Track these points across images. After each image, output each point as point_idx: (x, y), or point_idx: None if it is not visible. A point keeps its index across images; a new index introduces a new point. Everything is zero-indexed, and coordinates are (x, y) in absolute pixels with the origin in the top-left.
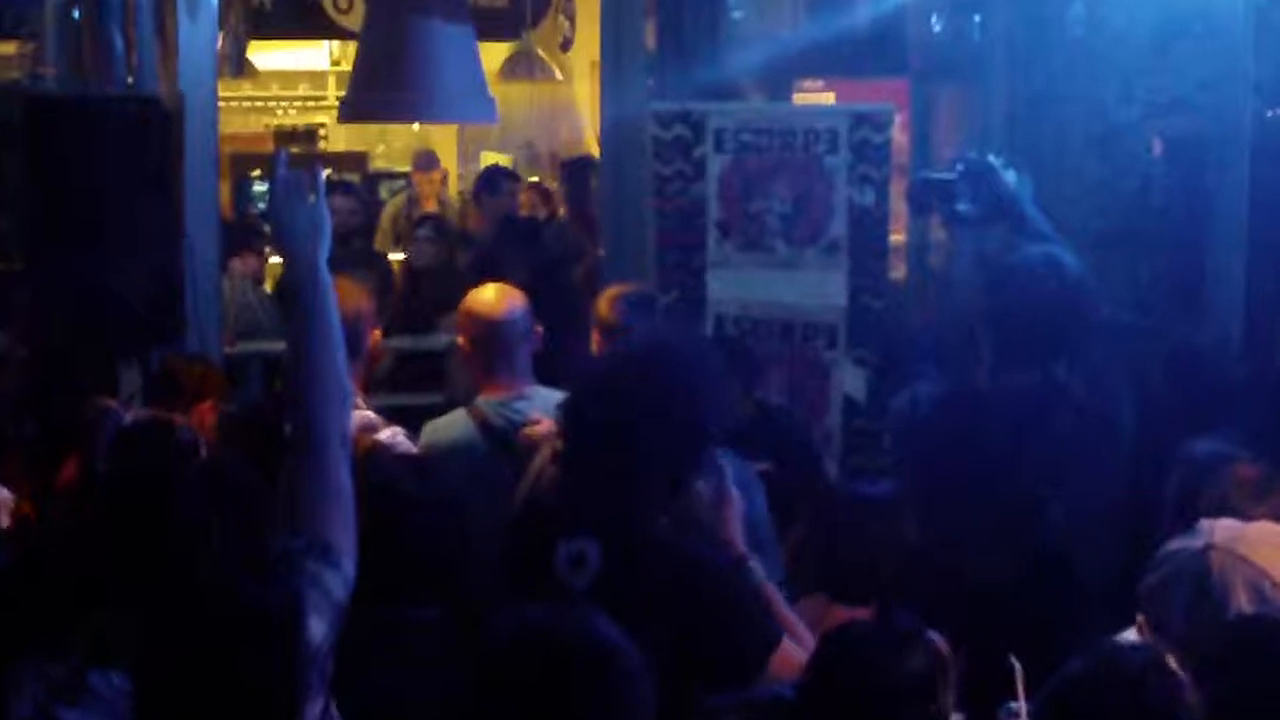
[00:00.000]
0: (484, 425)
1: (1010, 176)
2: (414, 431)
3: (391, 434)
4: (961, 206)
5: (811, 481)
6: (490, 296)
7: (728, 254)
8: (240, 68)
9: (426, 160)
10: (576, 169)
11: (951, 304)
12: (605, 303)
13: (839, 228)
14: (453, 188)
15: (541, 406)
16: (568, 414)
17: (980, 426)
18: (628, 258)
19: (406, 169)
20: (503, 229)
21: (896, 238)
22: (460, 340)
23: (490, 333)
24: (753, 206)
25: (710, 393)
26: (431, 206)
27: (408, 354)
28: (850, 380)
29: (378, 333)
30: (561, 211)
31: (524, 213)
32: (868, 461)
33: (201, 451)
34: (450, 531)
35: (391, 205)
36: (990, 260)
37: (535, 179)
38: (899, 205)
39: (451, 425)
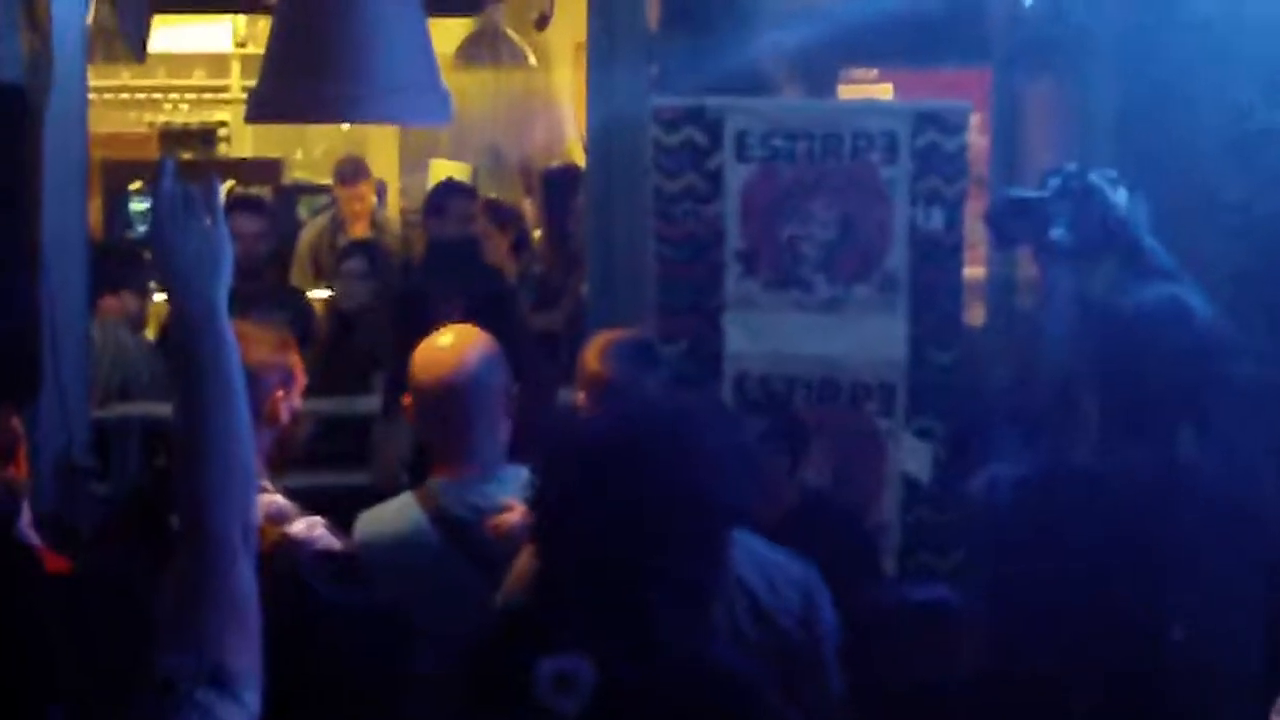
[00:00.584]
0: (438, 515)
1: (1120, 196)
2: (340, 522)
3: (308, 525)
4: (1057, 234)
5: (862, 585)
6: (445, 345)
7: (752, 293)
8: (142, 52)
9: (351, 169)
10: (559, 182)
11: (1044, 359)
12: (594, 353)
13: (898, 260)
14: (393, 205)
15: (516, 490)
16: (542, 496)
17: (1078, 518)
18: (619, 297)
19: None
20: (429, 255)
21: (973, 272)
22: (406, 402)
23: (445, 395)
24: (785, 232)
25: (736, 467)
26: (363, 231)
27: (332, 421)
28: (911, 457)
29: (281, 394)
30: (537, 236)
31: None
32: (932, 561)
33: (25, 513)
34: (387, 651)
35: (312, 228)
36: (1095, 303)
37: (493, 196)
38: (976, 231)
39: (395, 515)
